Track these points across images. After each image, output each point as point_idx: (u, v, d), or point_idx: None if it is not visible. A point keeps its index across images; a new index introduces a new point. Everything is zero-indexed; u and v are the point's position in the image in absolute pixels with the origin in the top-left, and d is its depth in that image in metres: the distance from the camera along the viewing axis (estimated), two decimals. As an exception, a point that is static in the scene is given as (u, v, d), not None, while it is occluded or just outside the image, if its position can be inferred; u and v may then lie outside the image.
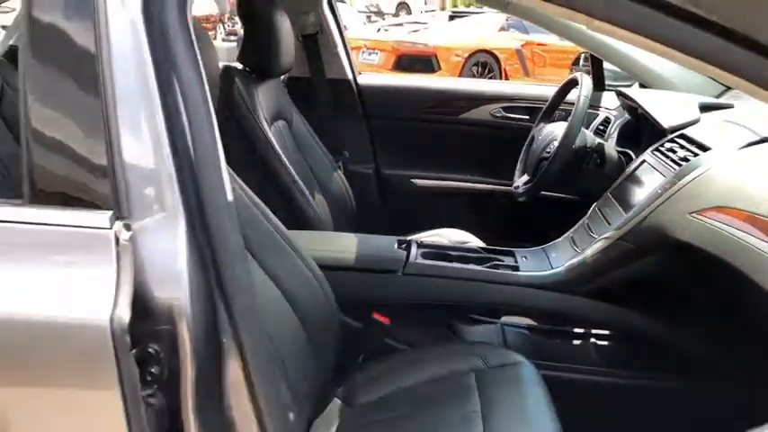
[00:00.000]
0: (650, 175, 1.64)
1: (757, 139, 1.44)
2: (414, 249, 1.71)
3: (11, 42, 2.27)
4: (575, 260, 1.62)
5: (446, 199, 2.45)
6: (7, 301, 0.77)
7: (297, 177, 1.83)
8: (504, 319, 1.77)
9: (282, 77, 2.25)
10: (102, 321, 0.74)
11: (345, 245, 1.70)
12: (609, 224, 1.62)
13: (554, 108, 2.14)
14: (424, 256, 1.70)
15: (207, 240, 0.81)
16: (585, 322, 1.64)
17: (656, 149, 1.70)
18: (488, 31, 10.00)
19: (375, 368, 1.49)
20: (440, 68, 8.78)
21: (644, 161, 1.72)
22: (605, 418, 1.48)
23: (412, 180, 2.47)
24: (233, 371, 0.83)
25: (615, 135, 2.11)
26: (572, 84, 2.09)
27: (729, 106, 1.84)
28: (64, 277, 0.78)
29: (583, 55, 2.66)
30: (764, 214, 1.22)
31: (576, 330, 1.67)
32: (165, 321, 0.78)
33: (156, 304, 0.78)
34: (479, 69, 9.38)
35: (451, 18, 11.48)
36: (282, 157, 1.82)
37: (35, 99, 0.82)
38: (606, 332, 1.65)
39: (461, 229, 2.12)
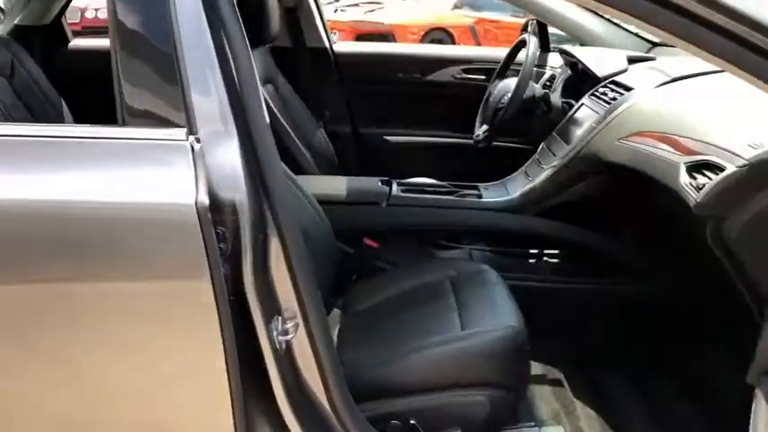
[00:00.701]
0: (587, 114, 1.99)
1: (669, 79, 1.80)
2: (394, 186, 2.03)
3: (16, 22, 2.49)
4: (527, 187, 1.97)
5: (416, 152, 2.77)
6: (118, 193, 1.05)
7: (291, 132, 2.13)
8: (472, 245, 2.11)
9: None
10: (189, 202, 1.02)
11: (337, 184, 2.02)
12: (555, 155, 1.96)
13: (506, 67, 2.48)
14: (404, 190, 2.03)
15: (253, 152, 1.10)
16: (537, 239, 1.99)
17: (592, 94, 2.05)
18: (442, 8, 10.29)
19: (367, 284, 1.81)
20: (397, 46, 9.03)
21: (583, 104, 2.07)
22: (556, 319, 1.83)
23: (385, 137, 2.79)
24: (275, 251, 1.12)
25: (560, 88, 2.45)
26: (521, 45, 2.42)
27: (652, 58, 2.20)
28: (157, 176, 1.07)
29: (530, 21, 3.00)
30: (671, 132, 1.57)
31: (531, 248, 2.01)
32: (229, 212, 1.07)
33: (222, 198, 1.06)
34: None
35: (405, -4, 11.70)
36: (278, 114, 2.11)
37: (126, 55, 1.10)
38: (555, 246, 2.01)
39: (431, 179, 2.45)
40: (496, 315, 1.51)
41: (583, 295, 1.94)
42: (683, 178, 1.39)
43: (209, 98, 1.09)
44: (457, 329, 1.47)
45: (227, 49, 1.10)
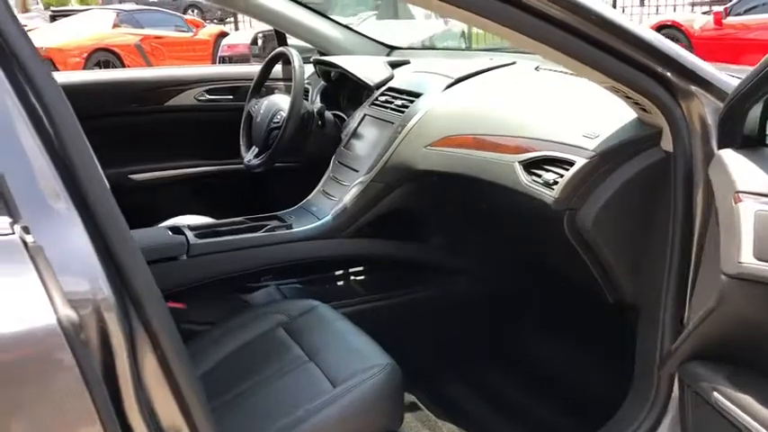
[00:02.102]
0: (376, 124, 1.94)
1: (453, 80, 1.83)
2: (189, 233, 1.74)
3: None
4: (337, 208, 1.84)
5: (172, 188, 2.45)
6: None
7: None
8: (276, 277, 1.92)
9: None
10: (50, 322, 0.71)
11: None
12: (357, 171, 1.87)
13: (262, 83, 2.31)
14: (200, 236, 1.75)
15: (99, 229, 0.81)
16: (357, 260, 1.89)
17: (373, 104, 2.01)
18: (102, 28, 9.52)
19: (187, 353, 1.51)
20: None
21: (365, 115, 2.01)
22: (387, 336, 1.75)
23: (129, 176, 2.40)
24: (148, 356, 0.85)
25: (318, 100, 2.37)
26: (276, 59, 2.27)
27: (407, 62, 2.24)
28: None
29: (258, 34, 2.87)
30: (486, 133, 1.59)
31: (344, 270, 1.90)
32: (92, 319, 0.77)
33: (82, 302, 0.77)
34: (102, 68, 8.96)
35: (53, 18, 10.60)
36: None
37: None
38: (372, 264, 1.92)
39: (197, 215, 2.17)
40: (361, 357, 1.36)
41: (407, 306, 1.90)
42: (524, 177, 1.41)
43: (28, 171, 0.77)
44: (326, 386, 1.27)
45: (37, 104, 0.79)
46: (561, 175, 1.33)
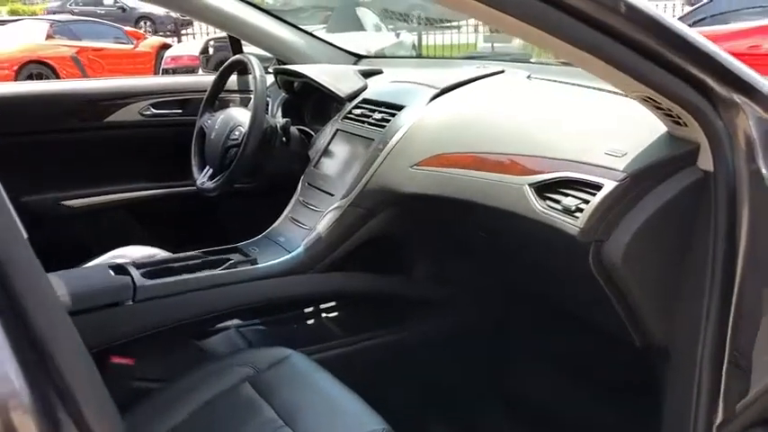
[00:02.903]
0: (351, 141, 1.71)
1: (438, 91, 1.62)
2: (135, 272, 1.46)
3: None
4: (311, 237, 1.59)
5: (113, 216, 2.15)
6: None
7: None
8: (239, 321, 1.67)
9: None
10: None
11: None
12: (332, 195, 1.63)
13: (216, 95, 2.05)
14: (149, 275, 1.47)
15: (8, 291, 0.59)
16: (333, 297, 1.64)
17: (346, 117, 1.77)
18: (35, 38, 9.03)
19: (132, 419, 1.24)
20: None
21: (338, 130, 1.77)
22: (377, 383, 1.52)
23: (62, 203, 2.10)
24: None
25: (279, 114, 2.13)
26: (232, 68, 2.02)
27: (380, 71, 2.02)
28: None
29: (209, 42, 2.61)
30: (485, 151, 1.38)
31: (326, 308, 1.66)
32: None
33: None
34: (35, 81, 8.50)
35: (-25, 29, 10.04)
36: None
37: None
38: (350, 301, 1.68)
39: (143, 245, 1.89)
40: (348, 421, 1.14)
41: (391, 346, 1.67)
42: (537, 203, 1.21)
43: None
44: None
45: None
46: (586, 201, 1.13)
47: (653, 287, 1.16)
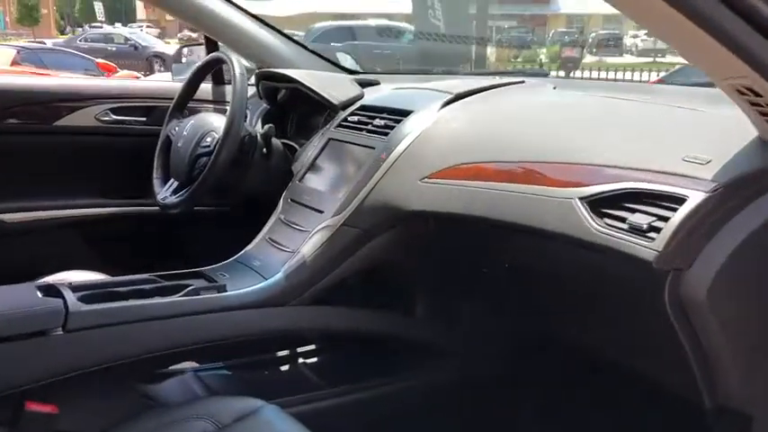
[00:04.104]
0: (346, 150, 1.45)
1: (452, 96, 1.38)
2: (69, 295, 1.15)
3: None
4: (292, 262, 1.30)
5: (58, 235, 1.83)
6: None
7: None
8: (198, 362, 1.36)
9: None
10: None
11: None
12: (321, 212, 1.35)
13: (186, 100, 1.78)
14: (86, 299, 1.16)
15: None
16: (318, 337, 1.35)
17: (340, 126, 1.52)
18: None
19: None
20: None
21: (330, 140, 1.51)
22: None
23: (-4, 218, 1.78)
24: None
25: (258, 124, 1.86)
26: (207, 68, 1.76)
27: (377, 83, 1.78)
28: None
29: (183, 48, 2.36)
30: (511, 160, 1.14)
31: (307, 350, 1.36)
32: None
33: None
34: None
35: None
36: None
37: None
38: (338, 342, 1.39)
39: (90, 270, 1.58)
40: None
41: (385, 400, 1.37)
42: (593, 220, 0.95)
43: None
44: None
45: None
46: (663, 218, 0.88)
47: (741, 333, 0.91)
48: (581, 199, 0.98)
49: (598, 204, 0.96)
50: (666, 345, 0.95)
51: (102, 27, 21.68)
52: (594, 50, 17.96)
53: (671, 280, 0.88)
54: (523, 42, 15.75)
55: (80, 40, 16.65)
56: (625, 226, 0.91)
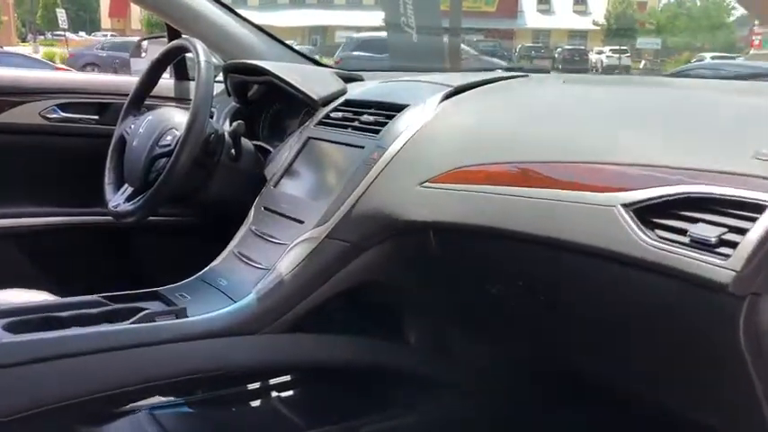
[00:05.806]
0: (329, 151, 1.26)
1: (452, 90, 1.20)
2: None
3: None
4: (266, 281, 1.10)
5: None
6: None
7: None
8: (156, 399, 1.15)
9: None
10: None
11: None
12: (301, 222, 1.16)
13: (144, 96, 1.57)
14: (16, 327, 0.95)
15: None
16: (295, 369, 1.15)
17: (321, 123, 1.33)
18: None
19: None
20: None
21: (309, 138, 1.32)
22: None
23: None
24: None
25: (226, 123, 1.66)
26: (169, 58, 1.56)
27: (360, 78, 1.60)
28: None
29: (142, 40, 2.16)
30: (524, 160, 0.96)
31: (282, 385, 1.16)
32: None
33: None
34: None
35: None
36: None
37: None
38: (319, 375, 1.19)
39: (29, 289, 1.36)
40: None
41: None
42: (642, 232, 0.77)
43: None
44: None
45: None
46: (737, 230, 0.70)
47: None
48: (625, 206, 0.80)
49: (646, 212, 0.78)
50: (724, 380, 0.79)
51: (64, 35, 21.34)
52: (560, 66, 18.17)
53: (747, 306, 0.71)
54: (493, 56, 15.80)
55: (97, 48, 16.51)
56: (685, 239, 0.74)
